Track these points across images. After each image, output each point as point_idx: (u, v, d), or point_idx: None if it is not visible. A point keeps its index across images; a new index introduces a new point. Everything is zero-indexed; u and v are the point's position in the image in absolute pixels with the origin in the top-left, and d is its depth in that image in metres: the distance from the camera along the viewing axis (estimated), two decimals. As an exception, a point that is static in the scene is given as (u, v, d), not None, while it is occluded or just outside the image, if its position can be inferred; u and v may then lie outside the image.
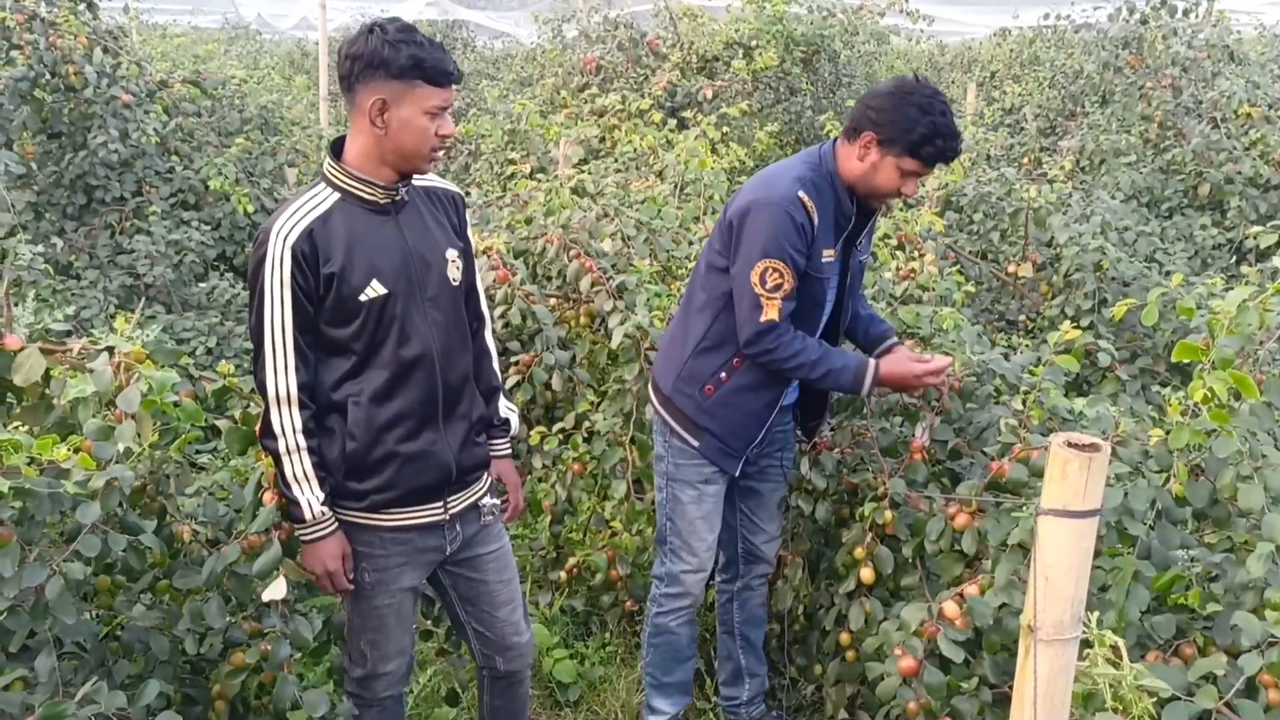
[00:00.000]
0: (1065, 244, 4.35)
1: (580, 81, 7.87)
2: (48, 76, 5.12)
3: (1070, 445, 1.44)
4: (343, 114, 10.25)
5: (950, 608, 2.27)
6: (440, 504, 2.26)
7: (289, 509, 2.16)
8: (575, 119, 6.55)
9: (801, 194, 2.48)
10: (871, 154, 2.49)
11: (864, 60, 10.78)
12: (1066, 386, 3.25)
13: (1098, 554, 2.36)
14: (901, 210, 4.84)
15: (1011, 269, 4.78)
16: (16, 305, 4.05)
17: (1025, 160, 7.36)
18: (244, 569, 2.26)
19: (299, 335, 2.07)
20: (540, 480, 3.76)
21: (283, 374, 2.07)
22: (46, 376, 2.39)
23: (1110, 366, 2.83)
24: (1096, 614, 1.68)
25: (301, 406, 2.09)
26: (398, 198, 2.15)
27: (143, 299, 4.76)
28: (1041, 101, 7.99)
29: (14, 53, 5.05)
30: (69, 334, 3.93)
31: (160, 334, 4.22)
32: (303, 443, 2.10)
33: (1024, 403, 2.86)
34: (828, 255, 2.56)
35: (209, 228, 5.43)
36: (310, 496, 2.11)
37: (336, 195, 2.11)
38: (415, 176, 2.23)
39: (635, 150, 5.40)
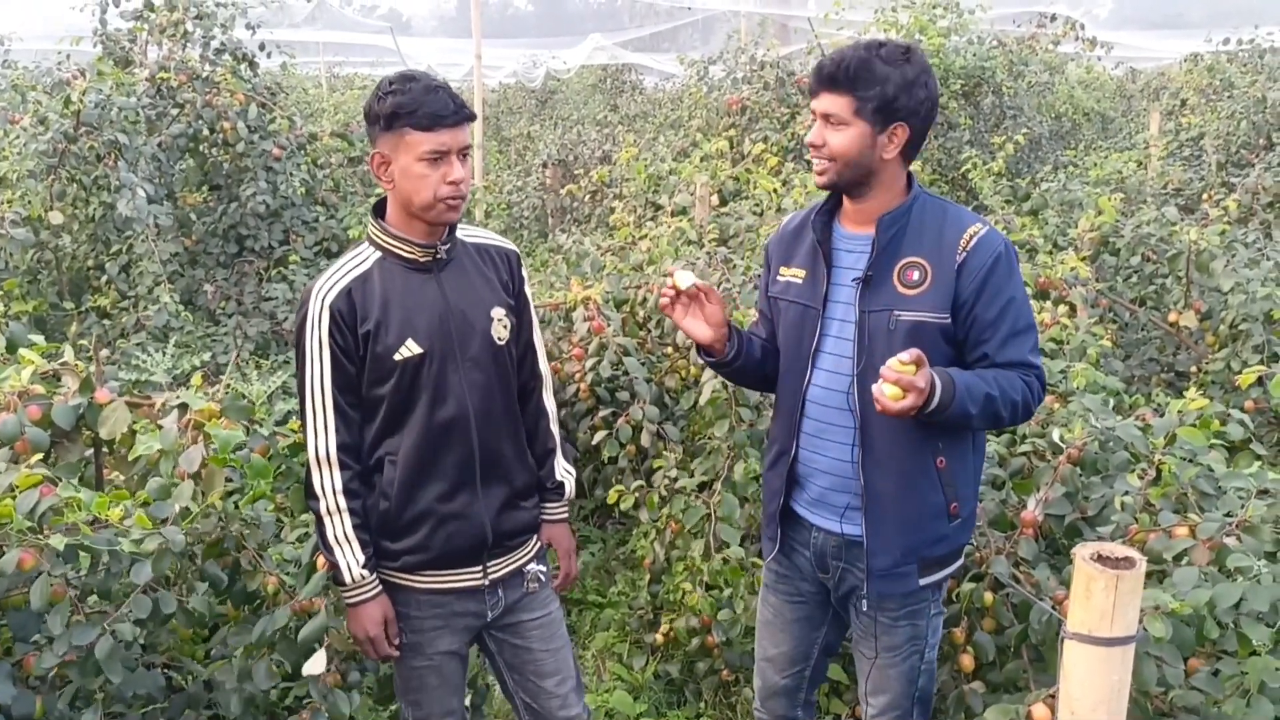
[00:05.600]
0: (1231, 291, 3.95)
1: (727, 123, 7.81)
2: (207, 132, 5.45)
3: (1100, 559, 1.24)
4: (493, 163, 10.56)
5: (1040, 711, 2.03)
6: (479, 568, 2.21)
7: (332, 571, 2.15)
8: (717, 157, 6.48)
9: (788, 216, 2.43)
10: None
11: (1035, 92, 10.30)
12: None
13: (1220, 656, 2.08)
14: (1046, 254, 4.53)
15: (1172, 318, 4.38)
16: (158, 352, 4.29)
17: (1206, 197, 6.81)
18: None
19: (339, 395, 2.07)
20: (644, 535, 3.67)
21: (322, 434, 2.07)
22: (134, 431, 2.50)
23: (1246, 440, 2.51)
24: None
25: (342, 467, 2.08)
26: (438, 255, 2.13)
27: (274, 345, 4.96)
28: (1222, 132, 7.39)
29: (175, 110, 5.41)
30: (180, 381, 4.10)
31: (287, 379, 4.37)
32: (343, 504, 2.08)
33: (1157, 474, 2.59)
34: (784, 274, 2.30)
35: (349, 275, 5.61)
36: (350, 559, 2.10)
37: (378, 254, 2.11)
38: (464, 232, 2.21)
39: (768, 192, 5.28)
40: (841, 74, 2.08)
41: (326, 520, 2.09)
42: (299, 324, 2.09)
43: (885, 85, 2.06)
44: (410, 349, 2.07)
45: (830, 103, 2.10)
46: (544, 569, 2.32)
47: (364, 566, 2.10)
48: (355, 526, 2.09)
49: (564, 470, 2.38)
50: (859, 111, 2.08)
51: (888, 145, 2.11)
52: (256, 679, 2.20)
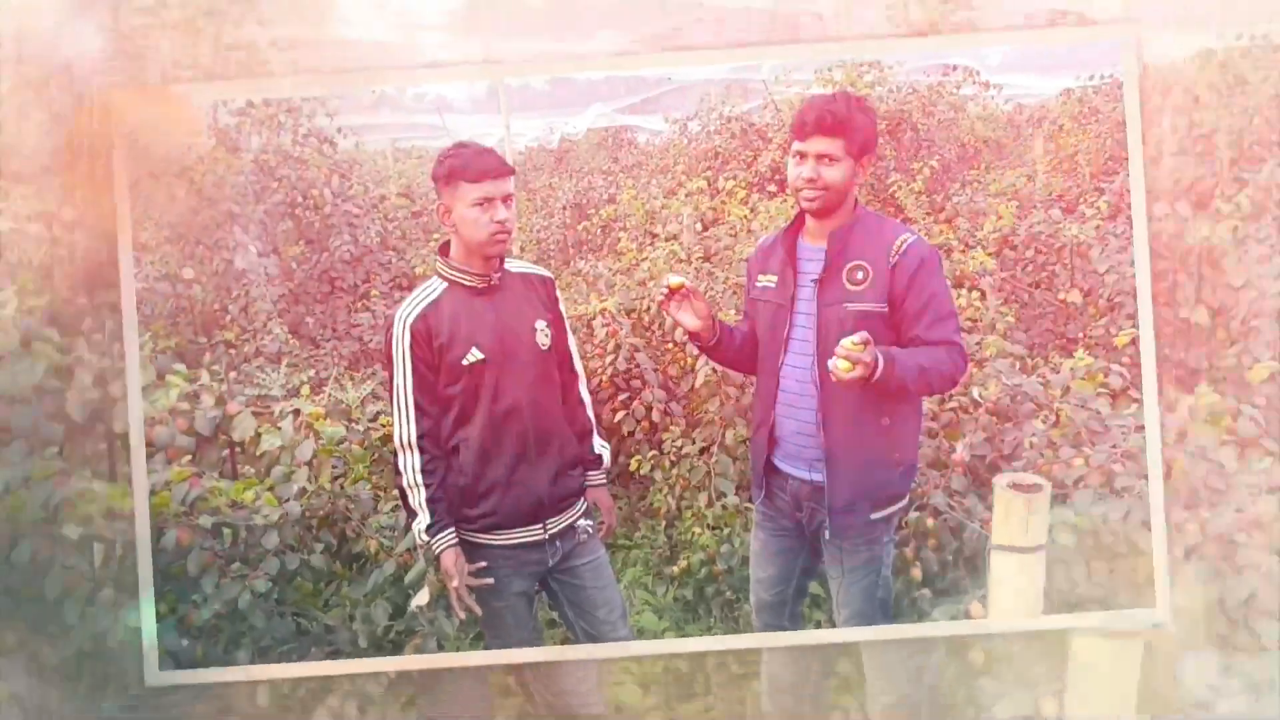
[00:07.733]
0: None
1: (704, 166, 7.81)
2: (300, 199, 5.49)
3: (1015, 486, 1.24)
4: (524, 208, 10.56)
5: (976, 609, 2.03)
6: (539, 526, 2.22)
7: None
8: (698, 193, 6.48)
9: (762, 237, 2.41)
10: None
11: (943, 126, 10.27)
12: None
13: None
14: (960, 252, 4.52)
15: (1062, 296, 4.39)
16: (274, 371, 4.31)
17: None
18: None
19: (419, 396, 2.10)
20: (659, 492, 3.68)
21: (405, 425, 2.10)
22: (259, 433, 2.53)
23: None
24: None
25: (421, 451, 2.11)
26: (492, 282, 2.15)
27: (362, 361, 4.99)
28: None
29: (274, 184, 5.45)
30: (291, 392, 4.12)
31: (375, 386, 4.37)
32: (420, 480, 2.11)
33: (1056, 418, 2.59)
34: (761, 280, 2.30)
35: (419, 302, 5.65)
36: (420, 525, 2.12)
37: (444, 285, 2.14)
38: (510, 264, 2.23)
39: (739, 219, 5.28)
40: (836, 121, 2.09)
41: (409, 492, 2.12)
42: (387, 342, 2.13)
43: (866, 128, 2.11)
44: (475, 356, 2.10)
45: (826, 144, 2.10)
46: (590, 524, 2.34)
47: (426, 530, 2.11)
48: (427, 500, 2.11)
49: (600, 445, 2.40)
50: (848, 149, 2.10)
51: (859, 173, 2.16)
52: (376, 617, 2.23)
